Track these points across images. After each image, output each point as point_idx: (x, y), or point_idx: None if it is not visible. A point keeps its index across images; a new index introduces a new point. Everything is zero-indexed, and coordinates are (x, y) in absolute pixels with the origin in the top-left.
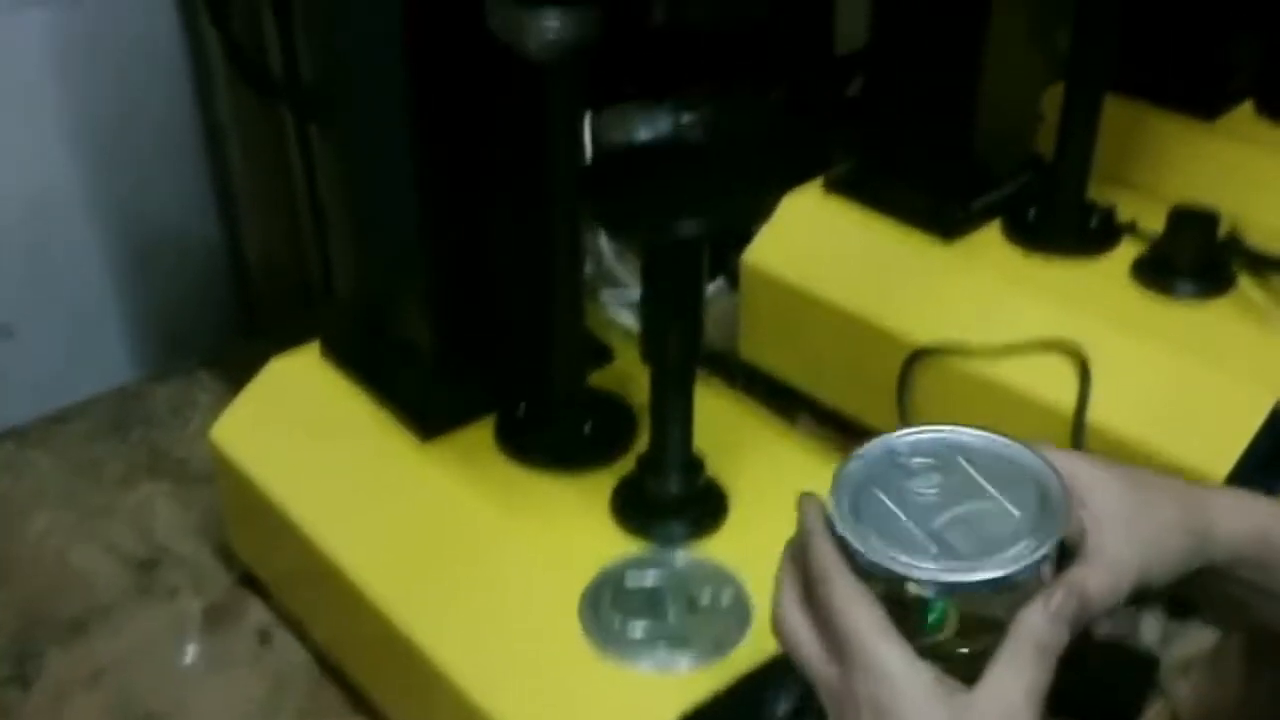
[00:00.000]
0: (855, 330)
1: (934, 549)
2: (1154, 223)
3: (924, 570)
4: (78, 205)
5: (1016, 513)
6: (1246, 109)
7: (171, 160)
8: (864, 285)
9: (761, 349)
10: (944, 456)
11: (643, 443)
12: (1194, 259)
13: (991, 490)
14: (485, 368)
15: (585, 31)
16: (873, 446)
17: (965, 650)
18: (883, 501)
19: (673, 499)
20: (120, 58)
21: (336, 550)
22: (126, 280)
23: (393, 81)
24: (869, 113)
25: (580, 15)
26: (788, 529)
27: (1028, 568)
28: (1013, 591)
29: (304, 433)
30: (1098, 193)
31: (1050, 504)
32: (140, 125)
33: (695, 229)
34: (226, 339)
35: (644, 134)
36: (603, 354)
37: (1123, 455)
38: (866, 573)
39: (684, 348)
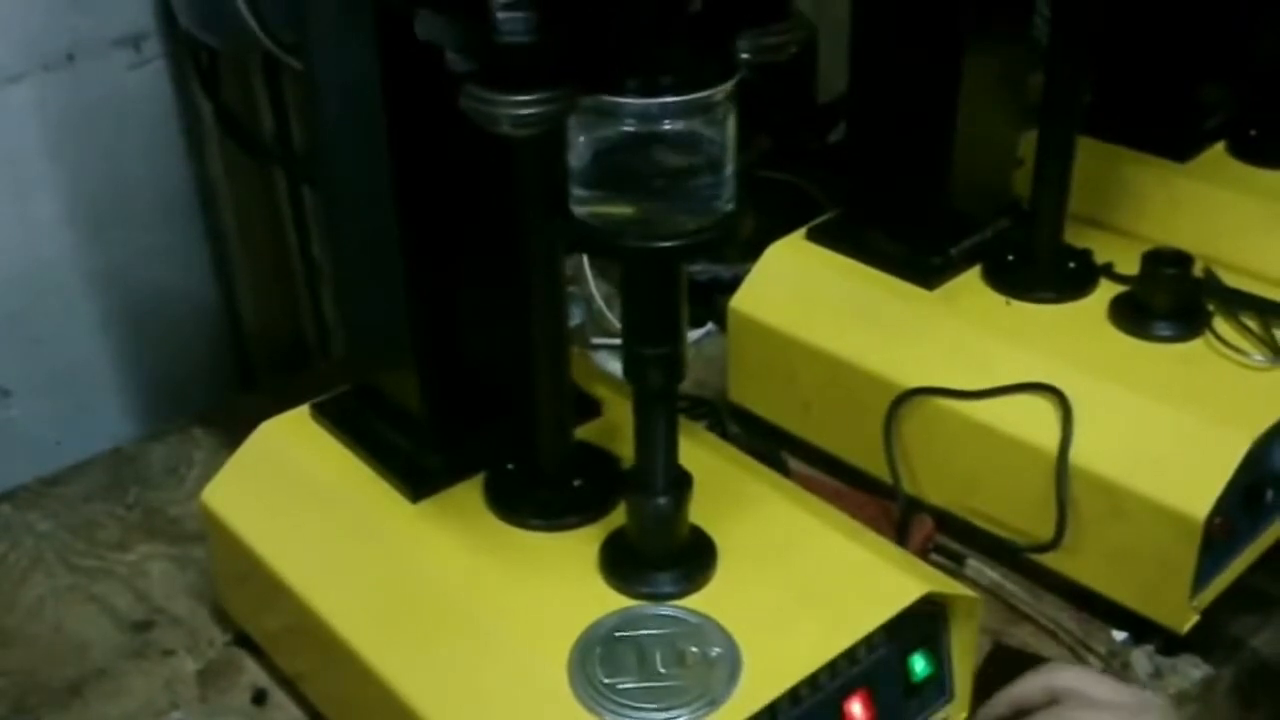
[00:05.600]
0: (841, 374)
1: None
2: (1130, 265)
3: None
4: (71, 268)
5: None
6: (1219, 150)
7: (165, 221)
8: (849, 331)
9: (750, 393)
10: None
11: None
12: (1169, 300)
13: None
14: (474, 428)
15: (556, 108)
16: None
17: None
18: None
19: (662, 551)
20: (111, 124)
21: (327, 610)
22: (121, 341)
23: (376, 148)
24: (848, 161)
25: (550, 95)
26: (776, 580)
27: None
28: None
29: (294, 494)
30: (1075, 236)
31: None
32: (133, 188)
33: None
34: (224, 397)
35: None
36: (591, 408)
37: (1104, 495)
38: None
39: (665, 363)
